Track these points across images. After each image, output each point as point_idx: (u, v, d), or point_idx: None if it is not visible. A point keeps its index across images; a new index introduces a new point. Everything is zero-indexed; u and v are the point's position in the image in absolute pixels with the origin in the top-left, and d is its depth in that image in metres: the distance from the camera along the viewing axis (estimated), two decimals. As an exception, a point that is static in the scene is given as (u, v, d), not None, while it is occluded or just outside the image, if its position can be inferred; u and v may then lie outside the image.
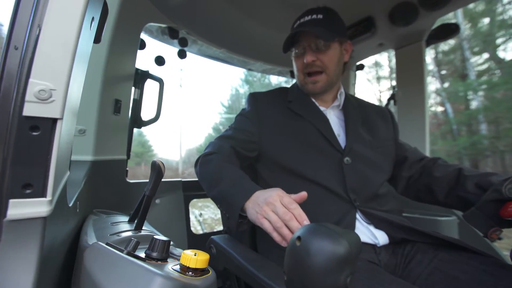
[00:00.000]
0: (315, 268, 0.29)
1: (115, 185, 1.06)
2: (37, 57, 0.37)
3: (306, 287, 0.30)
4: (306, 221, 0.54)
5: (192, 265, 0.44)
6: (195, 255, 0.45)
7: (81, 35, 0.41)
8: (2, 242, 0.34)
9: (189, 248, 1.30)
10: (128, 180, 1.13)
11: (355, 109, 0.95)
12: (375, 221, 0.78)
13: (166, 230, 1.20)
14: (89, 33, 0.49)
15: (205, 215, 5.79)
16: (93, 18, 0.49)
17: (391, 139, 0.96)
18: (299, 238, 0.32)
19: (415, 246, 0.76)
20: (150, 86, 1.26)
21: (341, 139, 0.88)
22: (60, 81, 0.38)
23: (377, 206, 0.81)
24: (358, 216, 0.79)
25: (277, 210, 0.56)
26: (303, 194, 0.61)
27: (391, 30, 1.40)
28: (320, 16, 0.87)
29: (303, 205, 0.80)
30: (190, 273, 0.45)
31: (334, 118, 0.93)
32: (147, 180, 1.19)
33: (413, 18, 1.28)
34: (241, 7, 1.30)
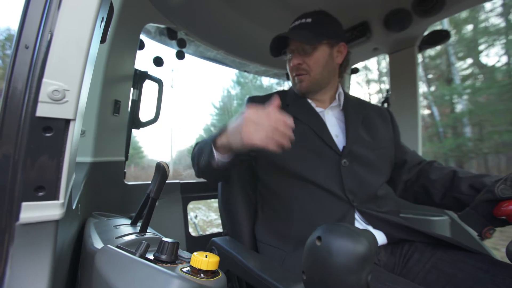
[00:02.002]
0: (337, 267, 0.29)
1: (113, 187, 1.04)
2: (51, 57, 0.37)
3: (328, 287, 0.30)
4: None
5: (203, 267, 0.44)
6: (206, 257, 0.45)
7: (93, 35, 0.41)
8: (15, 246, 0.33)
9: (188, 250, 1.29)
10: (126, 182, 1.11)
11: (356, 109, 0.96)
12: (373, 221, 0.79)
13: (164, 232, 1.18)
14: (98, 33, 0.49)
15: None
16: (102, 18, 0.49)
17: (391, 141, 0.97)
18: (319, 238, 0.32)
19: (413, 245, 0.78)
20: (147, 87, 1.25)
21: (340, 140, 0.88)
22: (74, 81, 0.38)
23: (376, 207, 0.82)
24: (356, 216, 0.80)
25: (262, 122, 0.60)
26: (276, 101, 0.65)
27: (385, 35, 1.44)
28: (308, 20, 0.88)
29: (302, 206, 0.81)
30: (202, 275, 0.45)
31: (332, 118, 0.93)
32: (145, 182, 1.18)
33: (407, 24, 1.33)
34: (240, 9, 1.30)
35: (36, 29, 0.38)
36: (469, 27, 10.10)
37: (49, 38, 0.37)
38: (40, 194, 0.36)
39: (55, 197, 0.37)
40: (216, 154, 0.72)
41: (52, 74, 0.37)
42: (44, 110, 0.36)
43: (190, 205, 1.45)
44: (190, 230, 1.41)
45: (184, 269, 0.45)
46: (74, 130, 0.40)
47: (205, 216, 6.08)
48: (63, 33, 0.37)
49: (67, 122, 0.38)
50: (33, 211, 0.35)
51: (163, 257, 0.48)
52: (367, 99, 1.04)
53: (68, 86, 0.38)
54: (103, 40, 0.57)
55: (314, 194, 0.81)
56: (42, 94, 0.36)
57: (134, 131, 1.21)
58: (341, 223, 0.34)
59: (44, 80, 0.36)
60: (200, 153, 0.78)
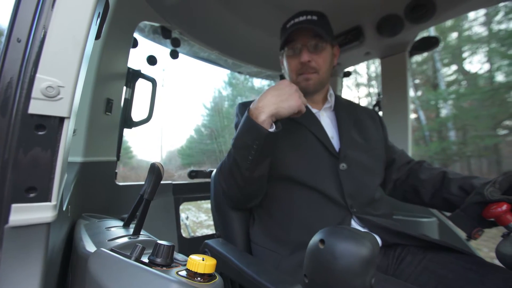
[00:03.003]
0: (342, 270, 0.29)
1: (104, 188, 1.00)
2: (45, 51, 0.35)
3: (331, 290, 0.30)
4: None
5: (200, 270, 0.43)
6: (203, 260, 0.44)
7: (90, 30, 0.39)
8: (4, 250, 0.32)
9: (180, 252, 1.26)
10: (117, 183, 1.08)
11: (346, 110, 0.96)
12: (369, 225, 0.79)
13: (156, 234, 1.15)
14: (94, 29, 0.47)
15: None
16: (99, 14, 0.47)
17: (381, 141, 0.98)
18: (322, 241, 0.32)
19: (406, 248, 0.79)
20: (140, 86, 1.22)
21: (335, 142, 0.88)
22: (69, 78, 0.36)
23: (373, 210, 0.82)
24: (353, 221, 0.80)
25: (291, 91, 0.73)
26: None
27: (378, 40, 1.46)
28: (314, 17, 0.87)
29: (300, 211, 0.81)
30: (199, 278, 0.44)
31: (327, 120, 0.93)
32: (136, 183, 1.15)
33: (398, 29, 1.36)
34: (235, 9, 1.30)
35: (29, 22, 0.36)
36: (454, 34, 10.49)
37: (43, 32, 0.35)
38: (32, 195, 0.34)
39: (47, 199, 0.35)
40: (264, 129, 0.68)
41: (46, 69, 0.35)
42: (37, 107, 0.34)
43: (181, 206, 1.42)
44: (181, 231, 1.39)
45: (181, 273, 0.44)
46: (68, 129, 0.38)
47: (195, 217, 6.02)
48: (59, 26, 0.36)
49: (61, 120, 0.36)
50: (23, 213, 0.33)
51: (159, 260, 0.47)
52: (356, 102, 1.05)
53: (63, 82, 0.36)
54: (97, 36, 0.56)
55: (312, 200, 0.80)
56: (35, 90, 0.34)
57: (124, 131, 1.18)
58: (343, 226, 0.34)
59: (38, 75, 0.34)
60: (241, 149, 0.73)
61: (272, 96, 0.71)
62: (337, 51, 0.96)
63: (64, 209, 0.54)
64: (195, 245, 1.41)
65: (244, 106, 0.96)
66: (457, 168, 9.54)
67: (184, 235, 1.41)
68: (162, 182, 1.32)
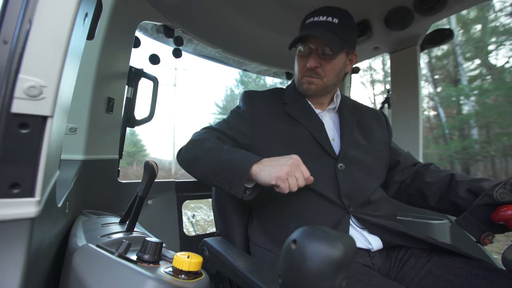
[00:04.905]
0: (310, 272, 0.28)
1: (106, 185, 1.04)
2: (28, 52, 0.36)
3: (301, 292, 0.29)
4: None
5: (185, 268, 0.43)
6: (188, 257, 0.44)
7: (74, 31, 0.40)
8: (-14, 244, 0.33)
9: (181, 250, 1.28)
10: (119, 180, 1.11)
11: (350, 111, 0.94)
12: (369, 226, 0.77)
13: (158, 232, 1.17)
14: (82, 29, 0.48)
15: (197, 217, 5.75)
16: (86, 14, 0.48)
17: (386, 144, 0.96)
18: (294, 241, 0.31)
19: (409, 250, 0.77)
20: (144, 85, 1.24)
21: (336, 143, 0.86)
22: (52, 78, 0.37)
23: (371, 212, 0.80)
24: (351, 221, 0.78)
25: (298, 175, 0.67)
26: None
27: (386, 34, 1.41)
28: (335, 20, 0.81)
29: (297, 211, 0.80)
30: (183, 276, 0.44)
31: (329, 121, 0.92)
32: (140, 181, 1.17)
33: (408, 22, 1.30)
34: (238, 7, 1.29)
35: (14, 23, 0.37)
36: (478, 27, 9.93)
37: (26, 33, 0.37)
38: (15, 191, 0.35)
39: (31, 195, 0.36)
40: (242, 193, 0.68)
41: (29, 69, 0.36)
42: (20, 106, 0.36)
43: (192, 204, 1.45)
44: (190, 229, 1.41)
45: (166, 270, 0.45)
46: (53, 127, 0.39)
47: (206, 216, 6.08)
48: (41, 28, 0.37)
49: (44, 118, 0.38)
50: (6, 208, 0.34)
51: (146, 257, 0.48)
52: (371, 100, 1.03)
53: (45, 82, 0.37)
54: (90, 37, 0.57)
55: (309, 200, 0.79)
56: (18, 90, 0.35)
57: (136, 129, 1.22)
58: (319, 226, 0.33)
59: (21, 76, 0.36)
60: (216, 167, 0.72)
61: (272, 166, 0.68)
62: (354, 58, 0.92)
63: (60, 205, 0.56)
64: (198, 243, 1.43)
65: (249, 96, 0.96)
66: (480, 168, 9.07)
67: (192, 234, 1.43)
68: (164, 180, 1.36)
